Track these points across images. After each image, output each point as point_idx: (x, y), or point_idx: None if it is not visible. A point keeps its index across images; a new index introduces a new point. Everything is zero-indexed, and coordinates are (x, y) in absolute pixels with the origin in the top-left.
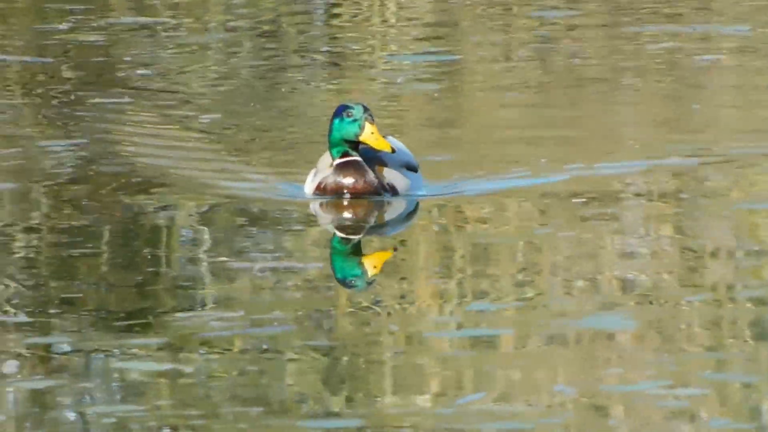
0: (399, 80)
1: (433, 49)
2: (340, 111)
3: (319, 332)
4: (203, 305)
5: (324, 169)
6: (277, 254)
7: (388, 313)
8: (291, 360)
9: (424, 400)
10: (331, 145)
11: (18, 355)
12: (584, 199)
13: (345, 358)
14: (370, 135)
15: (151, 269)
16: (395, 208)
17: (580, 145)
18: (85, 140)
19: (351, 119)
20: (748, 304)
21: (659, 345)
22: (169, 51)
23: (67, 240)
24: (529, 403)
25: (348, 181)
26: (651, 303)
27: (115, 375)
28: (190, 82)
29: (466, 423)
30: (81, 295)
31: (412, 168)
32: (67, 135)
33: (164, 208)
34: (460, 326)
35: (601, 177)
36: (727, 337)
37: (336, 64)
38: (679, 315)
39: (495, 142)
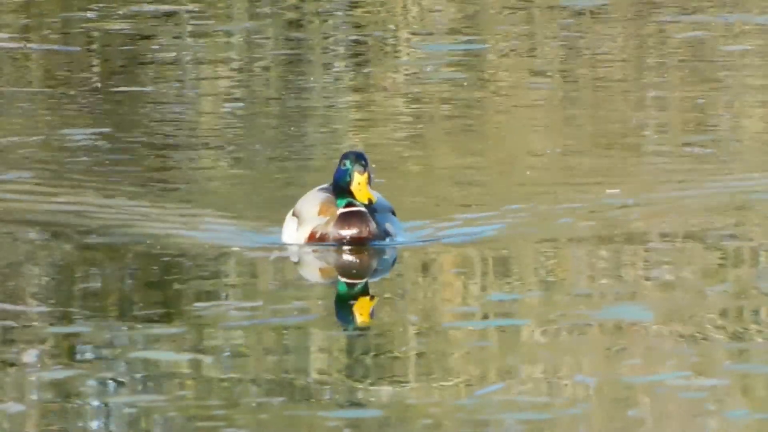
0: (428, 68)
1: (459, 38)
2: (341, 159)
3: (340, 323)
4: (223, 295)
5: (311, 217)
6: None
7: (411, 305)
8: (312, 350)
9: (445, 391)
10: (336, 194)
11: (39, 345)
12: (610, 202)
13: (367, 349)
14: (356, 185)
15: (171, 260)
16: (395, 253)
17: (601, 153)
18: (108, 129)
19: (344, 168)
20: None
21: (680, 336)
22: (194, 40)
23: (88, 230)
24: (549, 393)
25: (352, 232)
26: (672, 294)
27: (137, 365)
28: (214, 70)
29: (487, 414)
30: (102, 285)
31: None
32: (90, 124)
33: (185, 199)
34: (481, 317)
35: (623, 179)
36: (748, 327)
37: (361, 54)
38: (701, 306)
39: (515, 160)
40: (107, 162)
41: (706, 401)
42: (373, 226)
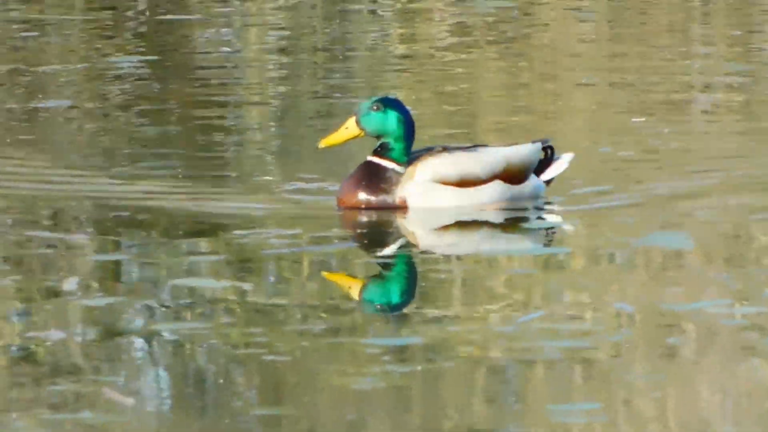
0: None
1: None
2: None
3: (382, 249)
4: (264, 223)
5: None
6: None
7: (455, 233)
8: (353, 278)
9: (487, 318)
10: None
11: (81, 273)
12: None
13: (409, 276)
14: None
15: (213, 187)
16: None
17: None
18: (154, 57)
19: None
20: None
21: (722, 263)
22: None
23: (132, 155)
24: (590, 321)
25: (342, 193)
26: (715, 222)
27: (179, 292)
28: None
29: (528, 341)
30: (144, 214)
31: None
32: (135, 51)
33: (231, 119)
34: (524, 245)
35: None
36: None
37: None
38: (744, 234)
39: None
40: (155, 90)
41: (749, 329)
42: (361, 190)
